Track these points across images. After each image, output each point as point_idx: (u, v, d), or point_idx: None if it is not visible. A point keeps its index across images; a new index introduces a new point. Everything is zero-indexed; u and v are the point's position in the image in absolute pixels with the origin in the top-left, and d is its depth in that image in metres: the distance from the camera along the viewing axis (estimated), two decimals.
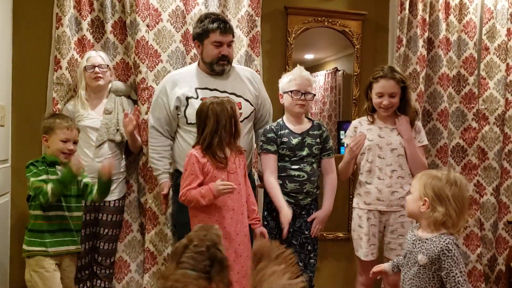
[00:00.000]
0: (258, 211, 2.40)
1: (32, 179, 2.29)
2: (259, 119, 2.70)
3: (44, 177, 2.30)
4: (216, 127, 2.23)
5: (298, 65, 2.62)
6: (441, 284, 1.83)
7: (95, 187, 2.45)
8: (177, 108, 2.50)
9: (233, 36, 2.56)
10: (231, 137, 2.27)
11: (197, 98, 2.48)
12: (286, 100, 2.53)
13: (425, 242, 1.83)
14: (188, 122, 2.49)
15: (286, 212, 2.37)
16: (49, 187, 2.25)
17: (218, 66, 2.50)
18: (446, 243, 1.78)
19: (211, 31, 2.45)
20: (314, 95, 2.57)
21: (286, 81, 2.54)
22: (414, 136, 2.58)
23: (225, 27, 2.47)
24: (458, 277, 1.76)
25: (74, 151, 2.42)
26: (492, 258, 3.42)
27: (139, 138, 2.78)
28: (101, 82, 2.69)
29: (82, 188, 2.46)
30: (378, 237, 2.57)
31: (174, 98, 2.49)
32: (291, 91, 2.49)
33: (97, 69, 2.67)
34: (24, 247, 2.35)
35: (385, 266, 2.11)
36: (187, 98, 2.49)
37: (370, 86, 2.56)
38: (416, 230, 1.92)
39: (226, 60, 2.50)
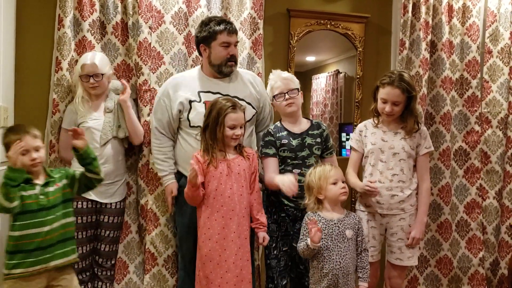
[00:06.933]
0: (263, 217, 2.40)
1: None
2: (261, 121, 2.72)
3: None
4: (207, 123, 2.33)
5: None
6: None
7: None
8: (180, 111, 2.54)
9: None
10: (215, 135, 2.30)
11: (200, 101, 2.52)
12: (276, 106, 2.58)
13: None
14: (191, 125, 2.52)
15: (284, 181, 2.29)
16: None
17: (226, 68, 2.56)
18: None
19: (218, 33, 2.50)
20: (298, 89, 2.55)
21: (269, 90, 2.60)
22: (420, 142, 2.56)
23: (232, 28, 2.53)
24: None
25: (40, 158, 2.19)
26: (495, 262, 3.40)
27: (134, 118, 2.72)
28: (98, 91, 2.67)
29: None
30: (379, 240, 2.57)
31: (177, 102, 2.53)
32: (274, 96, 2.54)
33: (92, 80, 2.62)
34: None
35: None
36: (190, 102, 2.52)
37: (377, 89, 2.56)
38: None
39: (234, 60, 2.56)
